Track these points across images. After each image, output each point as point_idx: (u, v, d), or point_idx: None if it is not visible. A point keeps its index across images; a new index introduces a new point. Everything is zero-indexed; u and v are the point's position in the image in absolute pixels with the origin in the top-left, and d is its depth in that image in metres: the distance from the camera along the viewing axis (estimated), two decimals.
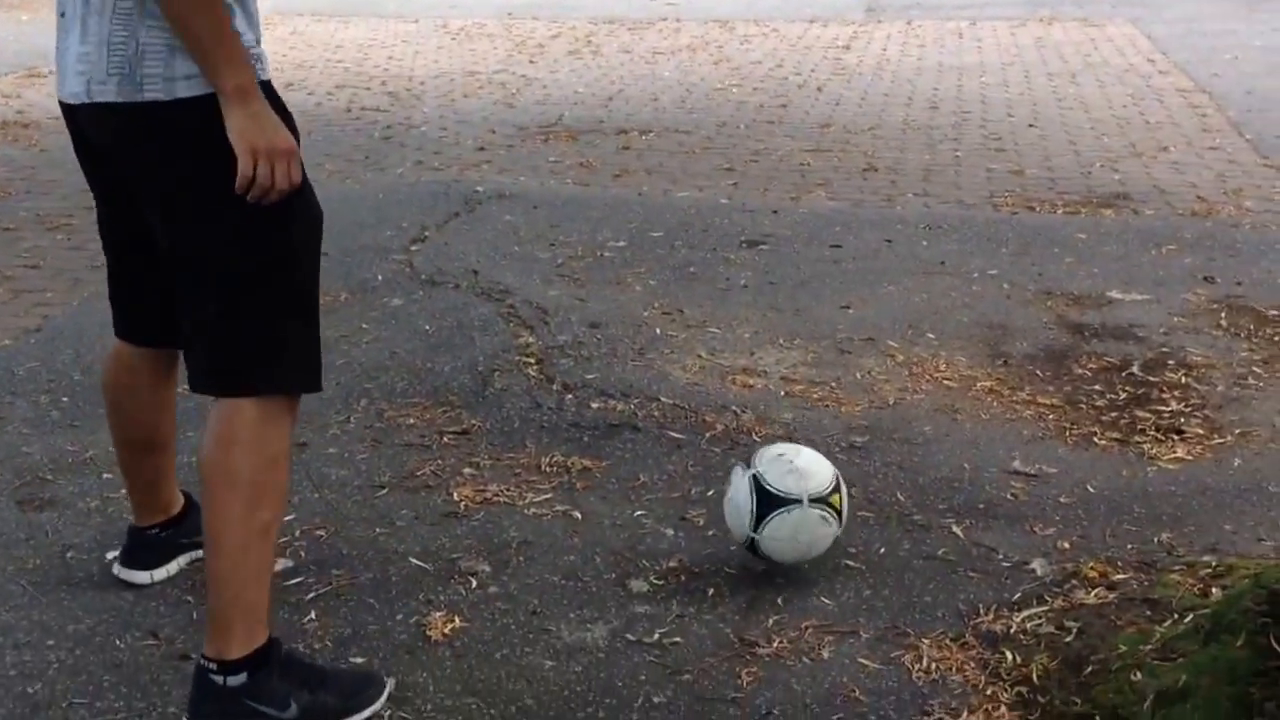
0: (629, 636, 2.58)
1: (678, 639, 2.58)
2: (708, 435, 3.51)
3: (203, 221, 2.16)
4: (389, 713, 2.33)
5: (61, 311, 4.60)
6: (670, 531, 3.01)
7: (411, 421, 3.60)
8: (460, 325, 4.30)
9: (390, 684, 2.38)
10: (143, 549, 2.73)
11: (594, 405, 3.68)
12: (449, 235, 5.43)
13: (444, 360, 4.01)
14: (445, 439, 3.49)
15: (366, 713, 2.31)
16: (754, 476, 2.75)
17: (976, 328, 4.42)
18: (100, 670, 2.46)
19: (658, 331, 4.33)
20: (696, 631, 2.60)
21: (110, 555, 2.81)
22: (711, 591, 2.75)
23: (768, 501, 2.71)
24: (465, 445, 3.45)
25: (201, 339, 2.24)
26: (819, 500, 2.72)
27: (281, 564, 2.81)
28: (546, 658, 2.50)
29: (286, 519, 2.99)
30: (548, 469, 3.31)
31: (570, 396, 3.74)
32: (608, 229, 5.56)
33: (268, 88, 2.16)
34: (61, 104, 2.26)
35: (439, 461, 3.35)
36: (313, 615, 2.65)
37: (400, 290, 4.70)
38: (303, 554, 2.88)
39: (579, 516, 3.07)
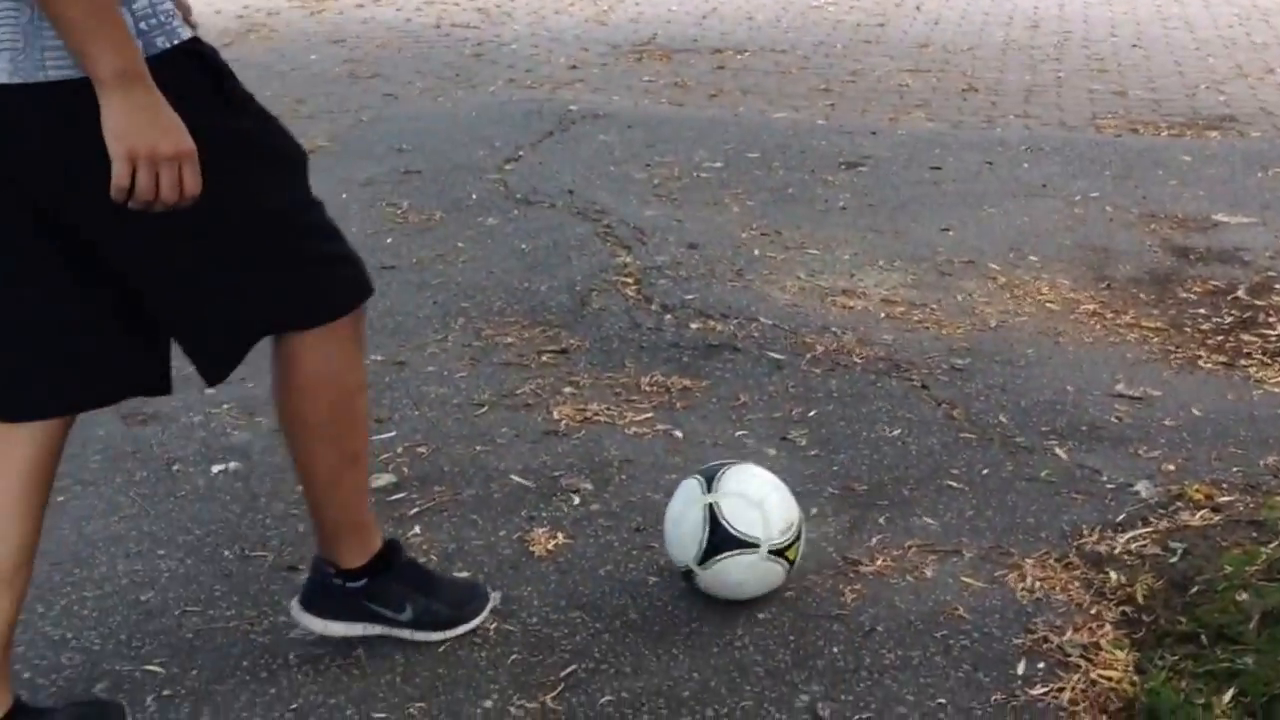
0: None
1: None
2: (808, 356, 3.47)
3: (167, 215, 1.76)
4: (495, 625, 2.34)
5: None
6: (771, 451, 2.99)
7: (510, 340, 3.60)
8: (557, 245, 4.29)
9: (495, 597, 2.39)
10: None
11: (693, 325, 3.65)
12: (543, 154, 5.41)
13: (541, 279, 4.00)
14: (544, 358, 3.48)
15: (474, 623, 2.32)
16: (711, 506, 2.34)
17: (1079, 250, 4.32)
18: (210, 579, 2.50)
19: (756, 253, 4.28)
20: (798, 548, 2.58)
21: (216, 468, 2.85)
22: (814, 511, 2.72)
23: (722, 539, 2.32)
24: (564, 364, 3.45)
25: (207, 312, 1.93)
26: (778, 552, 2.35)
27: (383, 479, 2.84)
28: (650, 574, 2.50)
29: (387, 435, 3.03)
30: (648, 388, 3.30)
31: (669, 316, 3.71)
32: (704, 149, 5.50)
33: (183, 55, 1.76)
34: None
35: (538, 380, 3.35)
36: (416, 530, 2.67)
37: (495, 209, 4.69)
38: (405, 470, 2.90)
39: (680, 436, 3.05)
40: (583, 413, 3.16)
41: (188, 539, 2.64)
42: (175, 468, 2.92)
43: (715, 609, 2.38)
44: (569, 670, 2.23)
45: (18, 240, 1.83)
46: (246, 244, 1.88)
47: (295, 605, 2.25)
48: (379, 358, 3.45)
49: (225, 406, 3.20)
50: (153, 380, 2.01)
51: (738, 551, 2.32)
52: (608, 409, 3.18)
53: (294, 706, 2.14)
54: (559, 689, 2.17)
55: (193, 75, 1.78)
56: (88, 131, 1.66)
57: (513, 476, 2.87)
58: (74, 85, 1.66)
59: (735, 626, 2.33)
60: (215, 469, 2.90)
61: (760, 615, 2.37)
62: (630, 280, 3.99)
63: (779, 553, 2.35)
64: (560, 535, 2.63)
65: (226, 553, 2.59)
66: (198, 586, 2.48)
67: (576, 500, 2.77)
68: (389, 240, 4.41)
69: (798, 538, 2.39)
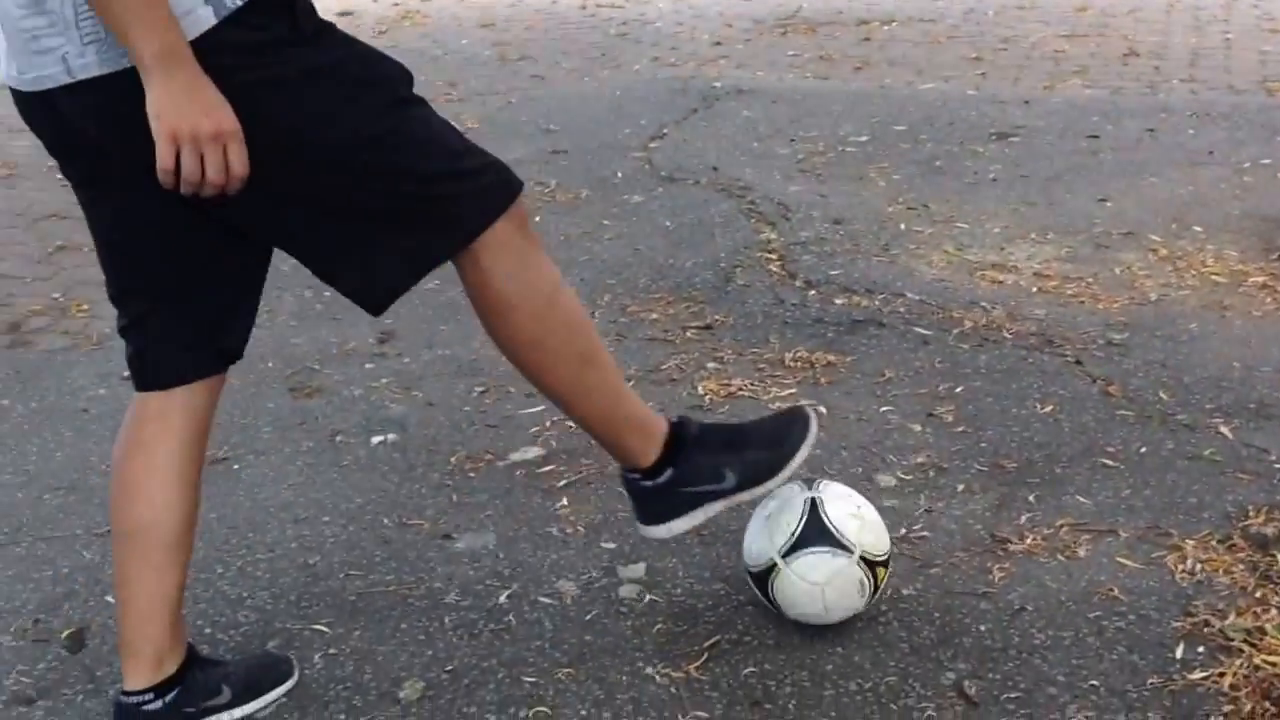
0: None
1: (926, 534, 2.55)
2: (955, 332, 3.43)
3: (278, 174, 1.76)
4: (640, 595, 2.38)
5: None
6: (917, 427, 2.97)
7: (655, 316, 3.63)
8: (701, 221, 4.31)
9: (816, 414, 2.26)
10: None
11: (838, 301, 3.64)
12: (687, 132, 5.42)
13: (686, 256, 4.03)
14: (688, 334, 3.51)
15: (803, 453, 2.18)
16: (813, 500, 2.23)
17: (1248, 220, 4.18)
18: (372, 546, 2.59)
19: (902, 227, 4.24)
20: (945, 527, 2.57)
21: (376, 439, 2.94)
22: (961, 488, 2.70)
23: (817, 533, 2.18)
24: (709, 340, 3.47)
25: (358, 256, 1.89)
26: (870, 562, 2.19)
27: (532, 452, 2.90)
28: None
29: (535, 409, 3.08)
30: (791, 364, 3.30)
31: (813, 292, 3.71)
32: (849, 123, 5.45)
33: (254, 6, 1.69)
34: (16, 94, 1.79)
35: (683, 356, 3.37)
36: (564, 502, 2.72)
37: (640, 187, 4.73)
38: (553, 443, 2.95)
39: (824, 411, 3.05)
40: (727, 388, 3.18)
41: (350, 507, 2.73)
42: (338, 439, 3.03)
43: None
44: (712, 641, 2.25)
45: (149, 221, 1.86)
46: (363, 175, 1.81)
47: (639, 526, 2.21)
48: None
49: (384, 381, 3.30)
50: (240, 348, 2.02)
51: (829, 550, 2.17)
52: (751, 384, 3.19)
53: (449, 669, 2.21)
54: (703, 659, 2.20)
55: (269, 24, 1.71)
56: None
57: None
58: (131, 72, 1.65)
59: (879, 603, 2.33)
60: (375, 440, 3.00)
61: (905, 592, 2.36)
62: (774, 256, 3.99)
63: (870, 563, 2.19)
64: None
65: (386, 520, 2.68)
66: (360, 552, 2.57)
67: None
68: (537, 219, 4.48)
69: (888, 562, 2.24)
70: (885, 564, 2.22)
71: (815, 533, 2.18)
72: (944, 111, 5.56)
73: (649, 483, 2.14)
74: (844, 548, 2.17)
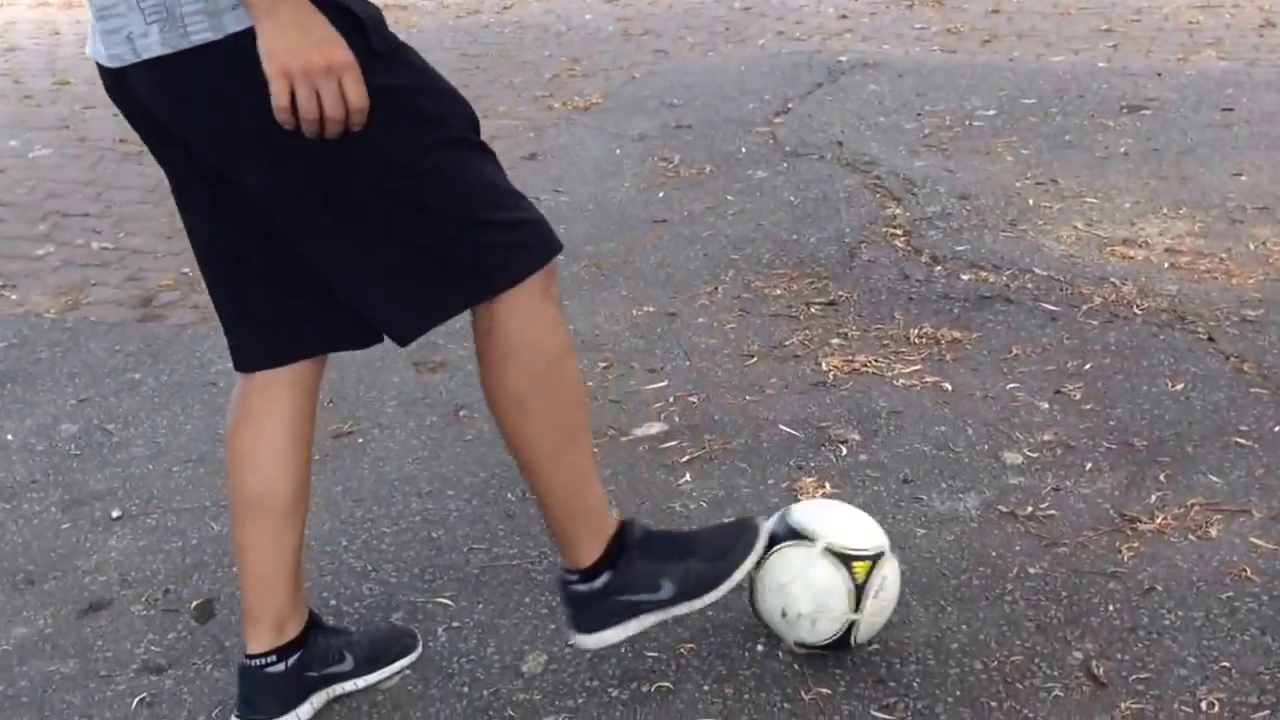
0: (1002, 508, 2.54)
1: (1054, 512, 2.51)
2: (1084, 308, 3.37)
3: (325, 180, 1.73)
4: None
5: None
6: (1045, 405, 2.92)
7: (778, 292, 3.62)
8: (825, 197, 4.28)
9: (766, 525, 2.15)
10: (263, 691, 2.10)
11: (964, 277, 3.60)
12: (812, 106, 5.39)
13: (810, 232, 4.01)
14: (812, 309, 3.50)
15: (745, 566, 2.08)
16: (851, 625, 2.09)
17: None
18: (495, 520, 2.64)
19: (1030, 202, 4.17)
20: (1074, 505, 2.53)
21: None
22: (1089, 466, 2.66)
23: (782, 532, 2.12)
24: (833, 316, 3.45)
25: (372, 284, 1.84)
26: (840, 556, 2.08)
27: (655, 428, 2.92)
28: (918, 525, 2.50)
29: (659, 385, 3.10)
30: (916, 340, 3.27)
31: (939, 268, 3.67)
32: (976, 97, 5.37)
33: (322, 7, 1.62)
34: (101, 70, 1.79)
35: (806, 332, 3.37)
36: (687, 477, 2.73)
37: (764, 162, 4.71)
38: (676, 419, 2.97)
39: (949, 388, 3.02)
40: (851, 364, 3.16)
41: (473, 481, 2.79)
42: (461, 413, 3.08)
43: (985, 563, 2.36)
44: None
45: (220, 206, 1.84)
46: (399, 204, 1.76)
47: (571, 633, 2.10)
48: (650, 309, 3.53)
49: None
50: (361, 333, 1.97)
51: (791, 543, 2.09)
52: (876, 360, 3.17)
53: (571, 643, 2.23)
54: None
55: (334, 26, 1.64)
56: (231, 94, 1.64)
57: (781, 426, 2.90)
58: (216, 46, 1.62)
59: (1005, 581, 2.31)
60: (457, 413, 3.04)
61: (1032, 570, 2.34)
62: (900, 232, 3.95)
63: (841, 557, 2.07)
64: (828, 484, 2.65)
65: (509, 495, 2.72)
66: (483, 526, 2.62)
67: (844, 450, 2.78)
68: (660, 194, 4.49)
69: (875, 561, 2.09)
70: (870, 561, 2.08)
71: (780, 532, 2.12)
72: (1074, 84, 5.44)
73: (584, 587, 2.03)
74: (805, 538, 2.09)
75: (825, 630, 2.09)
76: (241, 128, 1.66)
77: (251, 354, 1.98)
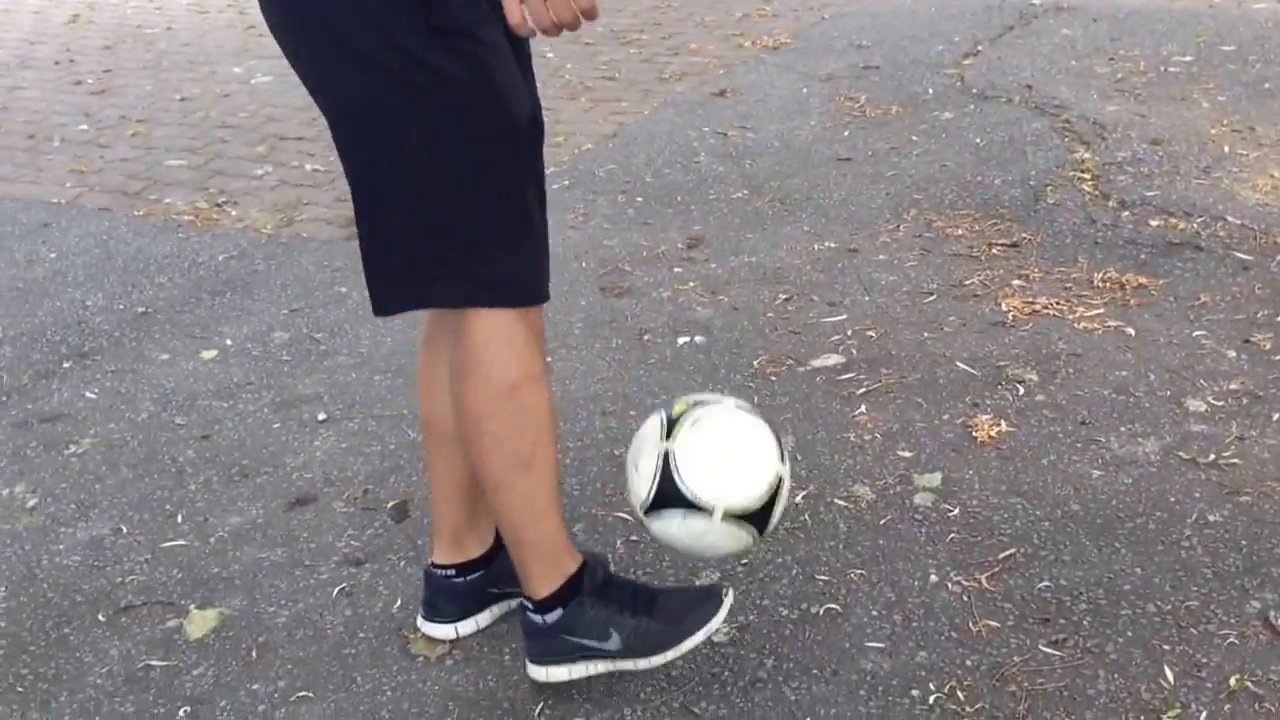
0: (1182, 454, 2.53)
1: (1236, 460, 2.49)
2: (1278, 258, 3.29)
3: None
4: (934, 505, 2.42)
5: (634, 119, 4.94)
6: (1232, 353, 2.88)
7: (960, 232, 3.62)
8: (1012, 139, 4.23)
9: (729, 599, 2.04)
10: (443, 596, 2.19)
11: (1153, 223, 3.54)
12: (1002, 49, 5.30)
13: (994, 174, 3.98)
14: (994, 250, 3.49)
15: (699, 636, 2.00)
16: (665, 455, 1.89)
17: None
18: None
19: (1225, 150, 4.06)
20: (1258, 455, 2.50)
21: (682, 339, 3.05)
22: (1277, 417, 2.62)
23: (672, 494, 1.88)
24: (1015, 257, 3.43)
25: (378, 246, 1.81)
26: (742, 517, 1.89)
27: (832, 359, 2.97)
28: (1094, 467, 2.51)
29: (838, 318, 3.14)
30: (1100, 284, 3.24)
31: (1127, 214, 3.61)
32: (1173, 43, 5.22)
33: None
34: None
35: (987, 272, 3.36)
36: (862, 409, 2.78)
37: (950, 104, 4.67)
38: (854, 351, 3.01)
39: (1132, 333, 2.99)
40: (1031, 305, 3.15)
41: (655, 402, 2.87)
42: (645, 337, 3.17)
43: (1162, 507, 2.36)
44: (1007, 554, 2.28)
45: None
46: (429, 193, 1.72)
47: (525, 659, 2.06)
48: (832, 244, 3.56)
49: (691, 284, 3.42)
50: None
51: (685, 512, 1.88)
52: (1057, 303, 3.16)
53: (744, 562, 2.31)
54: (996, 570, 2.23)
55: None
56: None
57: (958, 364, 2.92)
58: None
59: (1183, 527, 2.30)
60: (681, 340, 3.12)
61: (1211, 518, 2.33)
62: (1087, 176, 3.90)
63: (743, 518, 1.89)
64: (1004, 423, 2.67)
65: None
66: None
67: (1021, 390, 2.79)
68: (846, 133, 4.50)
69: (772, 500, 1.91)
70: (766, 506, 1.90)
71: (670, 493, 1.88)
72: (1276, 32, 5.25)
73: (536, 618, 1.99)
74: (702, 510, 1.87)
75: (646, 470, 1.91)
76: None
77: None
